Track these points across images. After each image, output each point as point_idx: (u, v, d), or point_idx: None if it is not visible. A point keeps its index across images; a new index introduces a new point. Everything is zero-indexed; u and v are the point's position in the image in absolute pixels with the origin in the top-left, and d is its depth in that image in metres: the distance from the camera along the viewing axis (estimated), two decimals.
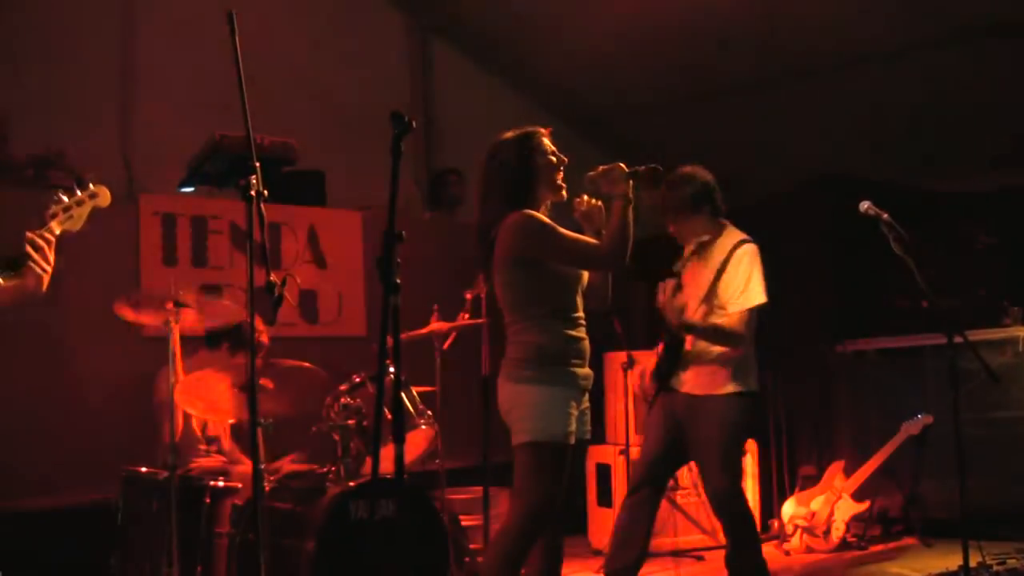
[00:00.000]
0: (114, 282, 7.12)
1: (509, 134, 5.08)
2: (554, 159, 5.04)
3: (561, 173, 5.07)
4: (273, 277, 4.52)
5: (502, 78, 10.71)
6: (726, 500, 6.11)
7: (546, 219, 4.92)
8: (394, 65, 10.30)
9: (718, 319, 6.09)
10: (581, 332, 4.99)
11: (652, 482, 6.31)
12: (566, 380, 4.90)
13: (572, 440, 4.87)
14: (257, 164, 4.38)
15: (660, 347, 6.38)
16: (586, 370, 5.00)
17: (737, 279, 6.10)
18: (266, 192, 4.37)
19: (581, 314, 5.03)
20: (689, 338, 6.17)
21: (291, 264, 8.39)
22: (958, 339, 6.03)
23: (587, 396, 5.07)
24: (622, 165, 4.98)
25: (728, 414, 6.06)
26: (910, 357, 8.67)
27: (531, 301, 4.92)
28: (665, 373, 6.28)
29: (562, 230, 4.89)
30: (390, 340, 4.07)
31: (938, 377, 7.84)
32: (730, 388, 6.07)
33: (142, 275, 7.82)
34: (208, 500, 6.10)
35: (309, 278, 8.38)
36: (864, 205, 6.33)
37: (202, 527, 6.06)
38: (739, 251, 6.16)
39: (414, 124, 4.14)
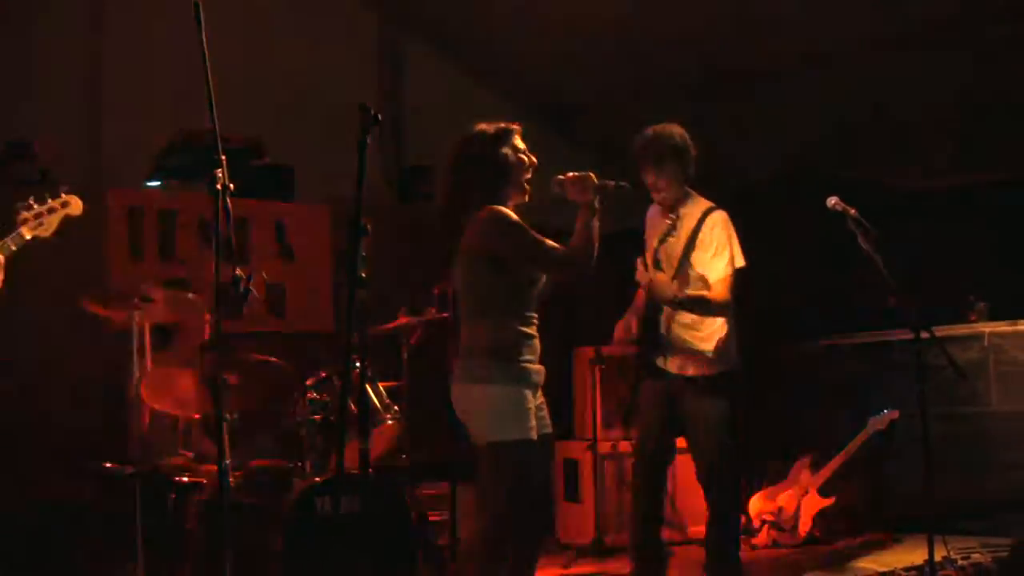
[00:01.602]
0: (81, 276, 7.09)
1: (485, 126, 4.99)
2: (525, 159, 5.00)
3: (529, 174, 5.02)
4: (240, 272, 4.50)
5: (472, 72, 10.68)
6: (718, 474, 6.16)
7: (517, 217, 4.88)
8: (364, 59, 10.26)
9: (701, 291, 6.07)
10: (534, 329, 4.93)
11: (657, 467, 6.32)
12: (520, 377, 4.84)
13: (534, 435, 4.83)
14: (224, 158, 4.36)
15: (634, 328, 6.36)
16: (539, 366, 4.95)
17: (713, 245, 6.10)
18: (232, 186, 4.35)
19: (535, 313, 4.97)
20: (666, 323, 6.14)
21: (259, 259, 8.37)
22: (925, 335, 6.05)
23: (540, 391, 5.00)
24: (593, 176, 4.94)
25: (718, 393, 6.10)
26: (877, 352, 8.71)
27: (491, 297, 4.86)
28: (648, 359, 6.24)
29: (532, 231, 4.85)
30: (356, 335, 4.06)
31: (905, 372, 7.86)
32: (716, 369, 6.10)
33: (109, 269, 7.78)
34: (174, 496, 6.08)
35: (277, 272, 8.35)
36: (832, 201, 6.35)
37: (168, 523, 6.05)
38: (711, 217, 6.15)
39: (380, 117, 4.13)
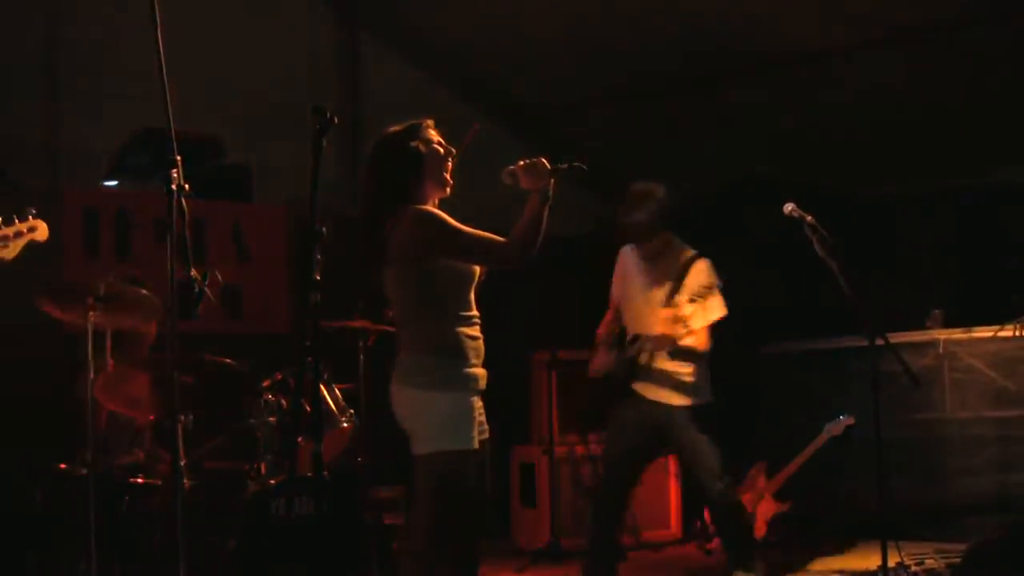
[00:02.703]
0: (35, 275, 7.03)
1: (394, 127, 4.85)
2: (440, 149, 4.84)
3: (450, 164, 4.88)
4: (195, 272, 4.48)
5: (431, 73, 10.68)
6: (725, 496, 6.45)
7: (443, 214, 4.73)
8: (322, 59, 10.24)
9: (687, 340, 6.27)
10: (476, 331, 4.79)
11: (622, 482, 6.58)
12: (464, 382, 4.71)
13: (476, 444, 4.71)
14: (179, 158, 4.33)
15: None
16: (482, 370, 4.79)
17: (697, 291, 6.26)
18: (187, 186, 4.32)
19: (476, 312, 4.83)
20: (649, 356, 6.44)
21: (215, 259, 8.33)
22: (880, 342, 6.08)
23: (481, 396, 4.86)
24: (544, 160, 4.76)
25: (701, 424, 6.42)
26: (833, 359, 8.74)
27: (425, 300, 4.71)
28: (624, 381, 6.53)
29: (461, 226, 4.70)
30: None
31: (860, 379, 7.90)
32: (697, 400, 6.46)
33: (64, 268, 7.74)
34: (127, 497, 6.04)
35: (233, 273, 8.31)
36: (788, 207, 6.37)
37: (122, 524, 6.01)
38: (698, 264, 6.43)
39: (336, 119, 4.11)
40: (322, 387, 6.38)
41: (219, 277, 4.95)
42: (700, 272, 6.42)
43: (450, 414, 4.66)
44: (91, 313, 5.79)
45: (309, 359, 4.17)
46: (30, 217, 4.95)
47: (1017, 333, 8.03)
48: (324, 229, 4.02)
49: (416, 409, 4.71)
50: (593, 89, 10.09)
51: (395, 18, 10.40)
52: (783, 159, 6.70)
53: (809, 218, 6.25)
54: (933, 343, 8.44)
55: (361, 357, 7.22)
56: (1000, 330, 8.13)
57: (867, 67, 8.94)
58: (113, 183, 8.23)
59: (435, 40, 10.36)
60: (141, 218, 8.15)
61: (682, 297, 6.30)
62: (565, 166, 4.82)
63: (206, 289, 4.51)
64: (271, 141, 8.97)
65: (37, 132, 8.53)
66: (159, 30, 4.30)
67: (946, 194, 9.37)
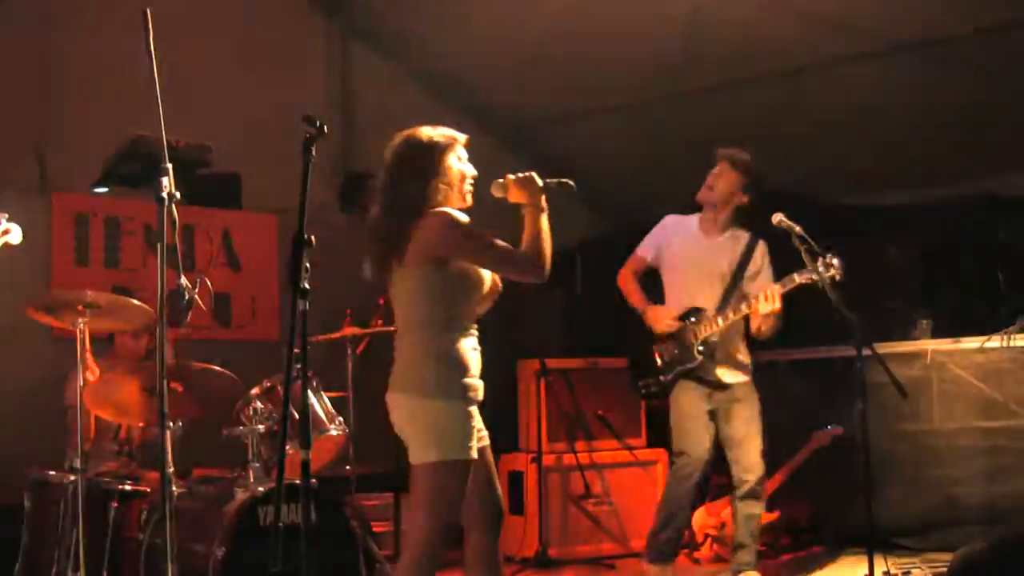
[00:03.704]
0: (24, 281, 7.04)
1: (427, 134, 4.88)
2: (466, 168, 4.92)
3: (472, 184, 4.93)
4: (185, 280, 4.48)
5: (422, 83, 10.68)
6: (763, 479, 6.76)
7: (464, 217, 4.78)
8: (313, 68, 10.24)
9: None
10: (475, 342, 4.82)
11: (704, 470, 6.81)
12: (463, 392, 4.71)
13: (475, 454, 4.73)
14: (170, 165, 4.34)
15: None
16: (479, 381, 4.81)
17: (763, 273, 6.80)
18: (179, 194, 4.33)
19: (475, 324, 4.87)
20: (710, 327, 6.73)
21: (205, 267, 8.34)
22: (867, 352, 6.10)
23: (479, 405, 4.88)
24: (535, 175, 4.84)
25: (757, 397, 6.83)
26: (821, 369, 8.75)
27: (433, 305, 4.73)
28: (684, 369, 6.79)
29: (481, 232, 4.75)
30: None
31: (848, 389, 7.91)
32: (750, 374, 6.86)
33: (53, 275, 7.74)
34: (116, 504, 6.04)
35: (223, 281, 8.33)
36: (776, 217, 6.40)
37: (109, 532, 6.00)
38: (760, 246, 6.84)
39: (326, 129, 4.12)
40: (311, 395, 6.40)
41: (209, 285, 4.97)
42: (764, 253, 6.85)
43: (448, 424, 4.66)
44: (80, 321, 5.79)
45: (298, 367, 4.18)
46: (3, 220, 4.94)
47: (1005, 343, 8.05)
48: (313, 237, 4.02)
49: (414, 417, 4.71)
50: (582, 101, 10.09)
51: (386, 28, 10.41)
52: (772, 170, 6.72)
53: (797, 228, 6.29)
54: (921, 354, 8.44)
55: (350, 365, 7.22)
56: (988, 340, 8.14)
57: (855, 78, 8.96)
58: (103, 190, 8.22)
59: (427, 51, 10.36)
60: (131, 226, 8.15)
61: (762, 276, 6.78)
62: (554, 182, 4.89)
63: (196, 297, 4.53)
64: (261, 149, 8.97)
65: (27, 138, 8.51)
66: (150, 38, 4.31)
67: (934, 204, 9.37)
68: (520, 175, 4.85)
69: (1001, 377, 8.14)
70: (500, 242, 4.77)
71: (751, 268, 6.84)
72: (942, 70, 8.63)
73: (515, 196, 4.85)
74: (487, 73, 10.24)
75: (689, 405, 6.81)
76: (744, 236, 6.90)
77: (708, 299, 6.81)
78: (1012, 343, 8.02)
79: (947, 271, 9.12)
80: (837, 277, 6.33)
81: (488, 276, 4.88)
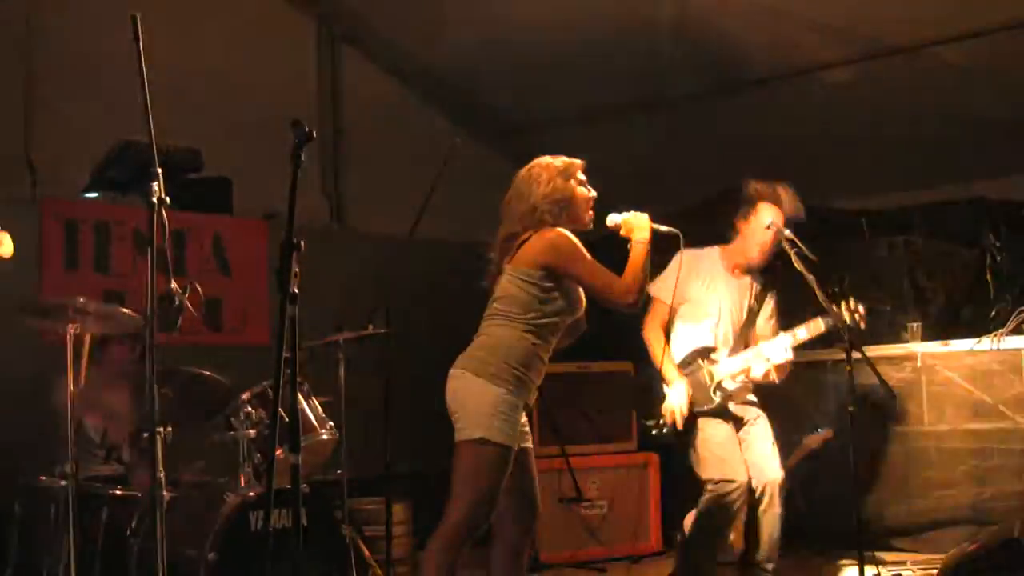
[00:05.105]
0: (14, 286, 7.03)
1: (555, 160, 5.30)
2: (589, 193, 5.30)
3: (592, 206, 5.30)
4: (175, 285, 4.49)
5: (414, 88, 10.68)
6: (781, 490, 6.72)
7: (578, 241, 5.12)
8: (304, 73, 10.23)
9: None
10: (547, 358, 5.18)
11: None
12: (515, 383, 5.01)
13: (516, 444, 5.02)
14: (160, 170, 4.35)
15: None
16: (533, 383, 5.16)
17: (773, 320, 6.82)
18: (168, 199, 4.34)
19: (553, 344, 5.22)
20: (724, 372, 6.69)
21: (195, 272, 8.33)
22: (857, 355, 6.11)
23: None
24: (647, 216, 5.27)
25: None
26: (811, 371, 8.76)
27: (522, 307, 5.08)
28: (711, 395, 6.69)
29: (590, 257, 5.10)
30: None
31: (838, 392, 7.94)
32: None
33: (43, 280, 7.73)
34: (106, 509, 6.03)
35: (213, 286, 8.32)
36: (767, 222, 6.42)
37: (100, 537, 6.00)
38: (773, 293, 6.84)
39: (314, 134, 4.13)
40: (302, 399, 6.40)
41: (199, 289, 4.97)
42: (775, 300, 6.86)
43: (503, 407, 4.95)
44: (71, 326, 5.78)
45: (287, 371, 4.18)
46: None
47: (994, 346, 8.06)
48: (302, 242, 4.03)
49: (465, 393, 5.02)
50: (575, 106, 10.10)
51: (376, 33, 10.40)
52: (763, 174, 6.73)
53: (787, 232, 6.30)
54: (911, 356, 8.46)
55: (341, 370, 7.22)
56: (977, 343, 8.16)
57: (846, 83, 8.97)
58: (93, 195, 8.22)
59: (417, 55, 10.35)
60: (121, 231, 8.15)
61: (772, 322, 6.80)
62: (664, 228, 5.34)
63: (186, 301, 4.53)
64: (251, 154, 8.96)
65: (16, 141, 8.50)
66: (140, 43, 4.32)
67: (924, 207, 9.40)
68: (635, 214, 5.29)
69: (990, 379, 8.15)
70: (603, 268, 5.11)
71: (764, 312, 6.83)
72: (931, 74, 8.65)
73: (627, 231, 5.28)
74: (478, 75, 10.24)
75: (720, 430, 6.69)
76: (758, 276, 6.88)
77: (724, 340, 6.77)
78: (1001, 346, 8.04)
79: (936, 274, 9.13)
80: (862, 326, 6.34)
81: (582, 307, 5.28)
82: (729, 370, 6.65)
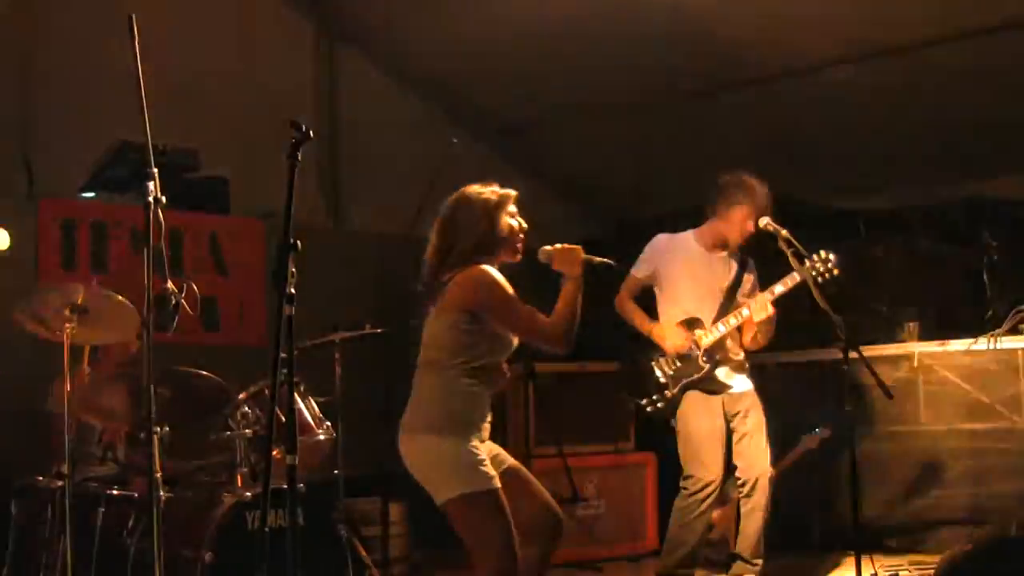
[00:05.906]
0: (11, 286, 7.02)
1: (480, 191, 5.03)
2: (518, 225, 5.06)
3: (523, 238, 5.09)
4: (172, 285, 4.49)
5: (411, 88, 10.68)
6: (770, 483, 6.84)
7: (503, 280, 4.90)
8: (301, 73, 10.23)
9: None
10: (491, 392, 5.00)
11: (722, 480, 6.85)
12: (474, 428, 4.87)
13: (496, 483, 4.79)
14: (156, 170, 4.35)
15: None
16: (483, 418, 4.98)
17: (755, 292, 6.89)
18: (164, 199, 4.34)
19: (497, 380, 5.05)
20: (710, 336, 6.82)
21: (192, 271, 8.32)
22: (854, 355, 6.11)
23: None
24: (580, 249, 5.02)
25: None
26: (809, 371, 8.77)
27: (451, 353, 4.88)
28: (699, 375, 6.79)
29: (516, 298, 4.89)
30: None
31: (836, 391, 7.93)
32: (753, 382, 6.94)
33: (41, 279, 7.72)
34: (103, 509, 6.02)
35: (210, 286, 8.30)
36: (763, 221, 6.43)
37: (97, 538, 5.99)
38: (751, 267, 6.99)
39: (312, 134, 4.13)
40: (298, 399, 6.39)
41: (196, 289, 4.97)
42: (754, 272, 6.99)
43: (457, 458, 4.77)
44: (67, 325, 5.77)
45: (284, 371, 4.18)
46: None
47: (991, 346, 8.06)
48: (299, 242, 4.03)
49: (424, 455, 4.85)
50: (570, 104, 10.09)
51: (373, 34, 10.40)
52: (758, 173, 6.75)
53: (784, 232, 6.31)
54: (907, 356, 8.47)
55: (338, 370, 7.21)
56: (974, 343, 8.16)
57: (842, 82, 8.97)
58: (91, 195, 8.22)
59: (414, 55, 10.35)
60: (118, 230, 8.14)
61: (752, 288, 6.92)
62: (597, 260, 5.09)
63: (182, 301, 4.53)
64: (249, 153, 8.96)
65: (13, 142, 8.50)
66: (136, 42, 4.32)
67: (921, 208, 9.41)
68: (564, 247, 5.04)
69: (987, 379, 8.16)
70: (528, 309, 4.92)
71: (745, 287, 6.92)
72: (925, 74, 8.66)
73: (559, 265, 5.02)
74: (475, 75, 10.24)
75: (704, 423, 6.80)
76: (736, 254, 6.99)
77: (707, 312, 6.85)
78: (998, 345, 8.04)
79: (933, 274, 9.14)
80: (835, 272, 6.38)
81: (514, 344, 5.05)
82: (715, 335, 6.78)
